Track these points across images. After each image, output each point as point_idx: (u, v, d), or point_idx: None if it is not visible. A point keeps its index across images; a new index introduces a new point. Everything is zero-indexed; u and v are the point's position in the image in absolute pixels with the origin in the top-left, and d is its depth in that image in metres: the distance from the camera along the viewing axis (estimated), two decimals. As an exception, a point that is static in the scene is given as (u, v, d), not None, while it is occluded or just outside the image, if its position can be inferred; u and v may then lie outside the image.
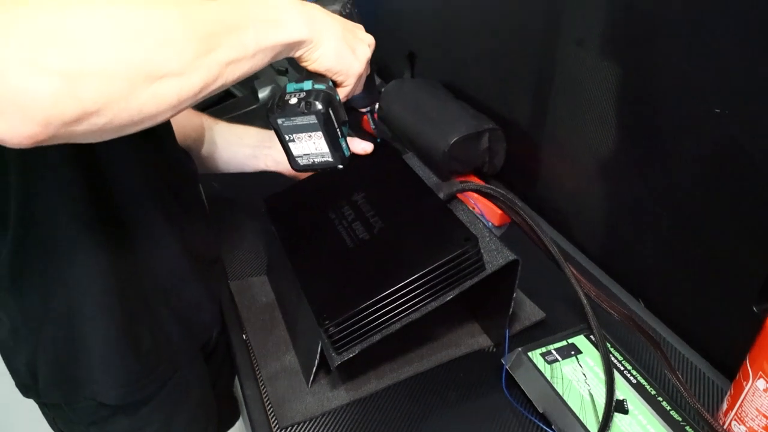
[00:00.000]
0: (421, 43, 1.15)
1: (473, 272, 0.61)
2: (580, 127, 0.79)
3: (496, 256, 0.62)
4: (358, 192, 0.70)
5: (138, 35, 0.37)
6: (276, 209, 0.75)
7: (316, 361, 0.62)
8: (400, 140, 1.01)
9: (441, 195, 0.68)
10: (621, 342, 0.68)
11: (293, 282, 0.66)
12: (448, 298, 0.61)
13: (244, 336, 0.72)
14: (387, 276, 0.59)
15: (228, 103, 1.19)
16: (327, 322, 0.57)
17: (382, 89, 1.08)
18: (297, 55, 0.52)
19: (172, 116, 0.41)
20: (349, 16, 0.62)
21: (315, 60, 0.53)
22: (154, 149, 0.62)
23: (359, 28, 0.59)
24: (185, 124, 0.78)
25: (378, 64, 1.32)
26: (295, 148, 0.56)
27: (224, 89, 0.45)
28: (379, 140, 0.77)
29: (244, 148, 0.80)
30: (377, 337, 0.59)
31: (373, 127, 0.79)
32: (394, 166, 0.73)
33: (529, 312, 0.73)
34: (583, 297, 0.67)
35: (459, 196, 0.71)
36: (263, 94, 1.17)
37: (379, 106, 1.05)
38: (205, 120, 0.81)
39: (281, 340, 0.70)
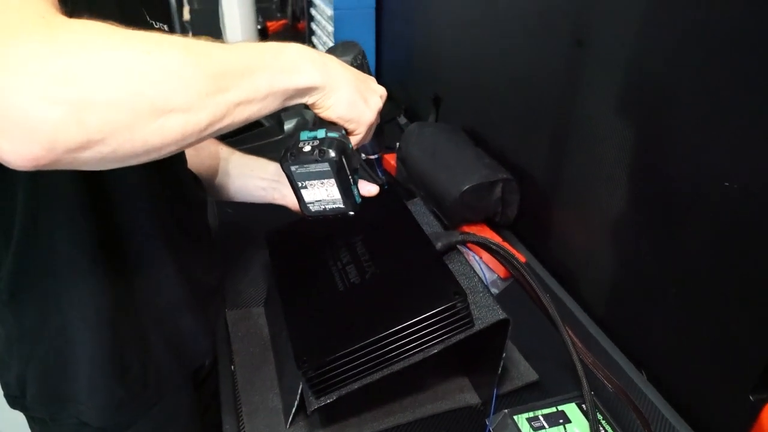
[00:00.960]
0: (447, 88, 1.17)
1: (461, 327, 0.60)
2: (593, 186, 0.78)
3: (487, 313, 0.61)
4: (356, 235, 0.71)
5: (148, 71, 0.38)
6: (276, 244, 0.76)
7: (296, 403, 0.62)
8: (415, 182, 1.02)
9: (439, 245, 0.67)
10: (615, 415, 0.65)
11: (282, 319, 0.66)
12: (433, 352, 0.60)
13: (232, 368, 0.72)
14: (371, 324, 0.59)
15: (255, 132, 1.23)
16: (306, 365, 0.57)
17: (405, 130, 1.09)
18: (310, 101, 0.53)
19: (177, 151, 0.42)
20: (360, 68, 0.63)
21: (328, 107, 0.54)
22: (163, 176, 0.64)
23: (371, 80, 0.60)
24: (201, 151, 0.81)
25: (405, 106, 1.34)
26: (308, 195, 0.57)
27: (233, 128, 0.46)
28: (386, 186, 0.77)
29: (254, 180, 0.82)
30: (356, 385, 0.59)
31: (380, 175, 0.80)
32: (397, 212, 0.73)
33: (523, 372, 0.71)
34: (577, 363, 0.65)
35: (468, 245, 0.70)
36: (289, 125, 1.21)
37: (399, 146, 1.07)
38: (222, 149, 0.84)
39: (268, 376, 0.71)
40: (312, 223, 0.78)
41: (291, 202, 0.83)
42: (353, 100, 0.55)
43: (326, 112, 0.55)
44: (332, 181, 0.54)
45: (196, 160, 0.77)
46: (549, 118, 0.85)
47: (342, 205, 0.57)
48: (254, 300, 0.83)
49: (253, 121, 0.49)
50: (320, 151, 0.53)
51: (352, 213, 0.58)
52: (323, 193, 0.56)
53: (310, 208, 0.58)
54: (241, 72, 0.44)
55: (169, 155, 0.42)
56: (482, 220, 0.95)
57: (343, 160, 0.54)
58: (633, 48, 0.68)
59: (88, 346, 0.60)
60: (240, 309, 0.81)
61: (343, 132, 0.56)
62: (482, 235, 0.91)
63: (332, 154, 0.53)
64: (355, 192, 0.57)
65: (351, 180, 0.56)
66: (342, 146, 0.54)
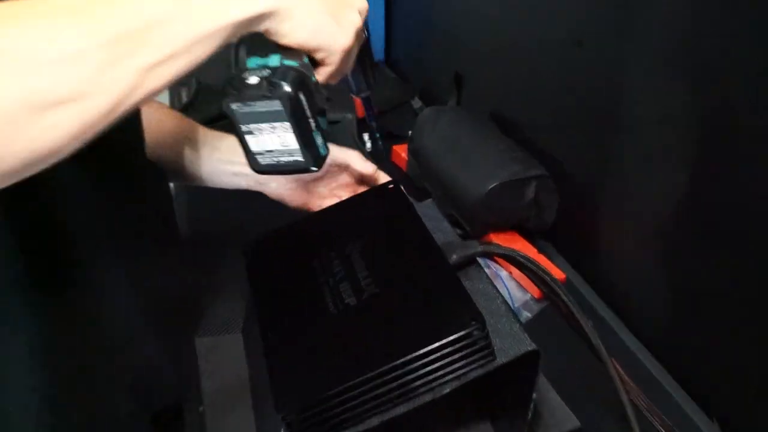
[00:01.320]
0: (470, 64, 1.15)
1: (479, 361, 0.57)
2: (647, 186, 0.75)
3: (512, 343, 0.59)
4: (353, 243, 0.69)
5: (12, 59, 0.35)
6: (255, 257, 0.75)
7: (275, 454, 0.60)
8: (429, 180, 1.00)
9: (453, 258, 0.65)
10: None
11: (261, 350, 0.64)
12: (445, 392, 0.58)
13: (200, 408, 0.71)
14: (368, 356, 0.56)
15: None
16: (286, 408, 0.55)
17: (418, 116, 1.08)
18: (262, 29, 0.49)
19: (84, 144, 0.40)
20: None
21: (285, 34, 0.50)
22: (105, 164, 0.61)
23: None
24: (159, 128, 0.78)
25: (420, 87, 1.33)
26: (254, 143, 0.53)
27: (157, 95, 0.43)
28: (392, 183, 0.76)
29: (225, 165, 0.80)
30: (349, 434, 0.57)
31: (371, 122, 0.77)
32: (403, 216, 0.71)
33: (560, 418, 0.68)
34: (628, 406, 0.62)
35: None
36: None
37: (411, 136, 1.06)
38: (185, 124, 0.82)
39: (244, 418, 0.69)
40: (300, 230, 0.77)
41: (272, 190, 0.81)
42: (319, 21, 0.51)
43: (284, 40, 0.51)
44: (286, 125, 0.51)
45: (152, 137, 0.74)
46: (595, 101, 0.83)
47: (300, 158, 0.53)
48: (230, 325, 0.81)
49: (187, 76, 0.45)
50: (270, 83, 0.49)
51: (315, 169, 0.54)
52: (275, 142, 0.52)
53: (259, 160, 0.54)
54: (143, 27, 0.41)
55: (73, 152, 0.40)
56: (512, 227, 0.94)
57: (302, 96, 0.50)
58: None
59: (18, 389, 0.58)
60: (212, 336, 0.80)
61: (306, 60, 0.52)
62: (511, 245, 0.89)
63: (286, 88, 0.49)
64: (319, 141, 0.54)
65: (313, 125, 0.53)
66: (300, 78, 0.50)
